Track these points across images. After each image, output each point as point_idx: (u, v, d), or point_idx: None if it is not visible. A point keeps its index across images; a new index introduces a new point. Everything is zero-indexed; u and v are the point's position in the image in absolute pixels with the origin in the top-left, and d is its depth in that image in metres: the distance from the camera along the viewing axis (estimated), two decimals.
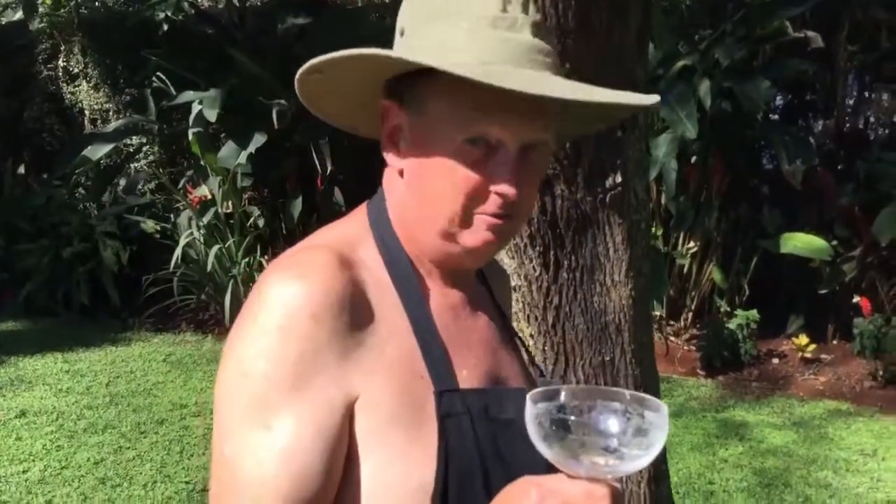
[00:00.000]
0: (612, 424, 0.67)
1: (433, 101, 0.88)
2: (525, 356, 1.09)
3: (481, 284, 1.07)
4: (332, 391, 0.82)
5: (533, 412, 0.69)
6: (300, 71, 0.92)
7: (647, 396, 0.69)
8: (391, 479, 0.83)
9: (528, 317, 1.52)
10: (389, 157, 0.95)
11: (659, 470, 1.59)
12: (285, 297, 0.83)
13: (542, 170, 0.92)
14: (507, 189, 0.85)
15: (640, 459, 0.67)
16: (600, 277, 1.46)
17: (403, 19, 0.94)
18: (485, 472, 0.86)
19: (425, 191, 0.90)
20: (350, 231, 0.96)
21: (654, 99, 0.93)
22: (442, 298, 0.96)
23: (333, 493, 0.81)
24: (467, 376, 0.92)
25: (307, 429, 0.80)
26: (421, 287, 0.94)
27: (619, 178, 1.42)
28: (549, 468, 0.83)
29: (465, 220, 0.88)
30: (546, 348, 1.51)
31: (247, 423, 0.80)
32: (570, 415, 0.68)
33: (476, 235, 0.89)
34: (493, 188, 0.86)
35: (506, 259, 1.49)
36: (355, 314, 0.85)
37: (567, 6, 1.24)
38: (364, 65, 0.89)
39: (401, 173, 0.94)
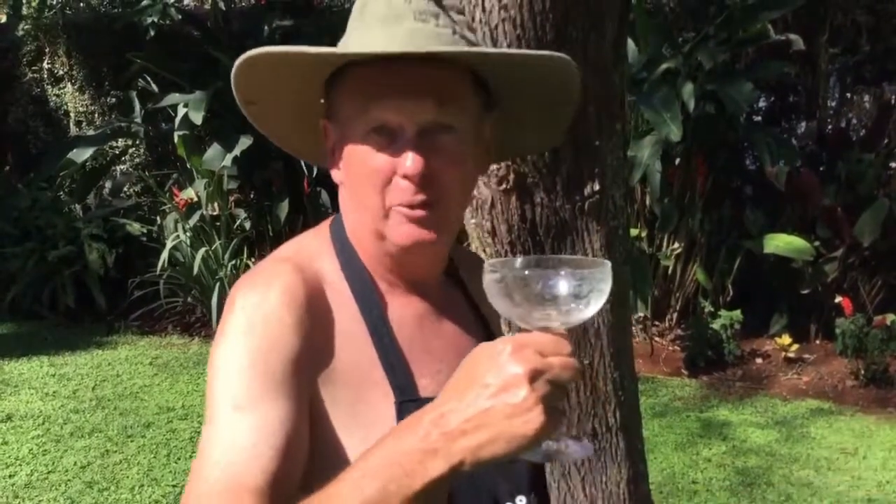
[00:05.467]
0: (562, 287, 0.73)
1: (342, 106, 0.94)
2: None
3: (457, 287, 1.09)
4: (296, 384, 0.85)
5: (496, 276, 0.76)
6: (238, 103, 0.99)
7: (592, 259, 0.79)
8: None
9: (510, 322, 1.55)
10: (333, 173, 1.00)
11: (637, 470, 1.62)
12: (251, 302, 0.88)
13: (457, 156, 0.94)
14: (409, 168, 0.89)
15: (585, 312, 0.75)
16: None
17: None
18: None
19: (353, 194, 0.96)
20: (312, 245, 1.00)
21: (558, 55, 0.94)
22: (403, 309, 0.99)
23: (298, 475, 0.83)
24: (428, 384, 0.95)
25: (276, 411, 0.82)
26: (380, 299, 0.97)
27: (597, 186, 1.45)
28: (504, 470, 0.96)
29: (385, 214, 0.92)
30: None
31: (219, 410, 0.83)
32: (525, 280, 0.74)
33: (398, 229, 0.92)
34: (398, 171, 0.90)
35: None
36: (315, 320, 0.90)
37: (545, 19, 1.27)
38: (279, 82, 0.96)
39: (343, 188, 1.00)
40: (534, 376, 0.69)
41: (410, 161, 0.89)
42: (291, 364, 0.85)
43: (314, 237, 1.02)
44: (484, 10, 1.26)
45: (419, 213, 0.91)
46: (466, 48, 0.92)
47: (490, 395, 0.69)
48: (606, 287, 0.75)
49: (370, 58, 0.90)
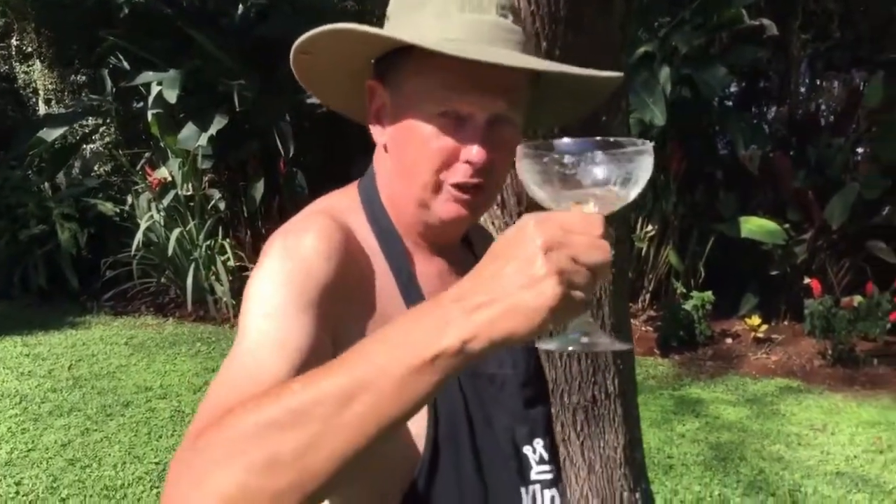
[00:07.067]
0: (600, 172, 0.70)
1: (409, 80, 0.95)
2: None
3: (469, 252, 1.13)
4: (325, 312, 0.87)
5: (529, 159, 0.73)
6: (292, 50, 0.98)
7: (631, 140, 0.72)
8: None
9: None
10: (375, 133, 1.02)
11: (633, 436, 1.68)
12: (289, 241, 0.90)
13: (513, 147, 0.94)
14: (475, 155, 0.92)
15: (624, 197, 0.72)
16: None
17: (390, 8, 1.01)
18: (469, 419, 0.96)
19: (403, 162, 0.97)
20: (342, 203, 1.02)
21: (616, 74, 0.99)
22: (428, 266, 1.03)
23: None
24: None
25: (303, 327, 0.84)
26: (409, 256, 1.01)
27: None
28: (523, 416, 1.01)
29: (437, 188, 0.95)
30: None
31: (250, 320, 0.85)
32: (562, 167, 0.71)
33: (446, 206, 0.95)
34: (462, 155, 0.93)
35: (495, 235, 1.55)
36: (348, 264, 0.92)
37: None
38: (343, 43, 0.96)
39: (385, 149, 1.01)
40: (551, 247, 0.66)
41: (477, 151, 0.92)
42: (324, 291, 0.87)
43: (343, 196, 1.05)
44: None
45: (468, 195, 0.95)
46: (566, 68, 0.95)
47: (507, 269, 0.67)
48: (646, 172, 0.71)
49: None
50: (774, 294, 6.06)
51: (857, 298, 5.49)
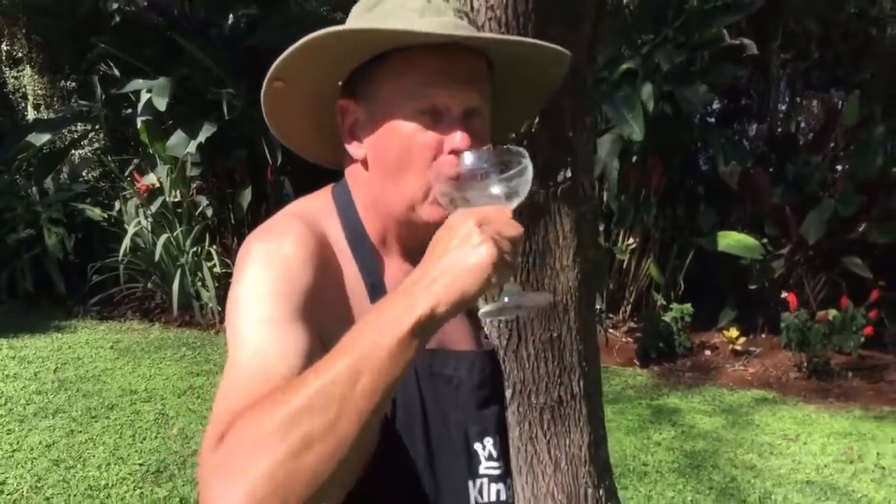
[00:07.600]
0: (496, 189, 0.87)
1: (386, 84, 1.02)
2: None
3: None
4: (310, 315, 0.94)
5: (446, 200, 0.90)
6: (265, 82, 1.04)
7: (517, 152, 0.88)
8: None
9: (486, 296, 1.67)
10: (352, 148, 1.08)
11: (598, 435, 1.77)
12: (268, 247, 0.97)
13: (484, 137, 1.05)
14: (458, 142, 0.99)
15: (518, 199, 0.88)
16: (550, 262, 1.63)
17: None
18: (424, 413, 1.04)
19: (389, 164, 1.03)
20: (316, 207, 1.09)
21: (564, 51, 1.07)
22: (398, 272, 1.09)
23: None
24: None
25: (296, 332, 0.91)
26: (378, 261, 1.08)
27: (569, 174, 1.58)
28: (475, 415, 1.08)
29: (426, 191, 1.01)
30: (501, 325, 1.67)
31: (245, 328, 0.91)
32: (465, 196, 0.88)
33: (432, 208, 1.02)
34: (446, 145, 1.00)
35: None
36: (323, 268, 0.99)
37: (527, 20, 1.40)
38: (321, 62, 1.02)
39: (364, 163, 1.08)
40: (481, 224, 0.82)
41: (461, 137, 0.99)
42: (306, 295, 0.94)
43: (317, 200, 1.11)
44: (472, 9, 1.39)
45: None
46: (521, 38, 1.05)
47: (451, 245, 0.82)
48: (529, 175, 0.88)
49: (430, 44, 0.99)
50: (752, 307, 6.17)
51: (833, 312, 5.60)
